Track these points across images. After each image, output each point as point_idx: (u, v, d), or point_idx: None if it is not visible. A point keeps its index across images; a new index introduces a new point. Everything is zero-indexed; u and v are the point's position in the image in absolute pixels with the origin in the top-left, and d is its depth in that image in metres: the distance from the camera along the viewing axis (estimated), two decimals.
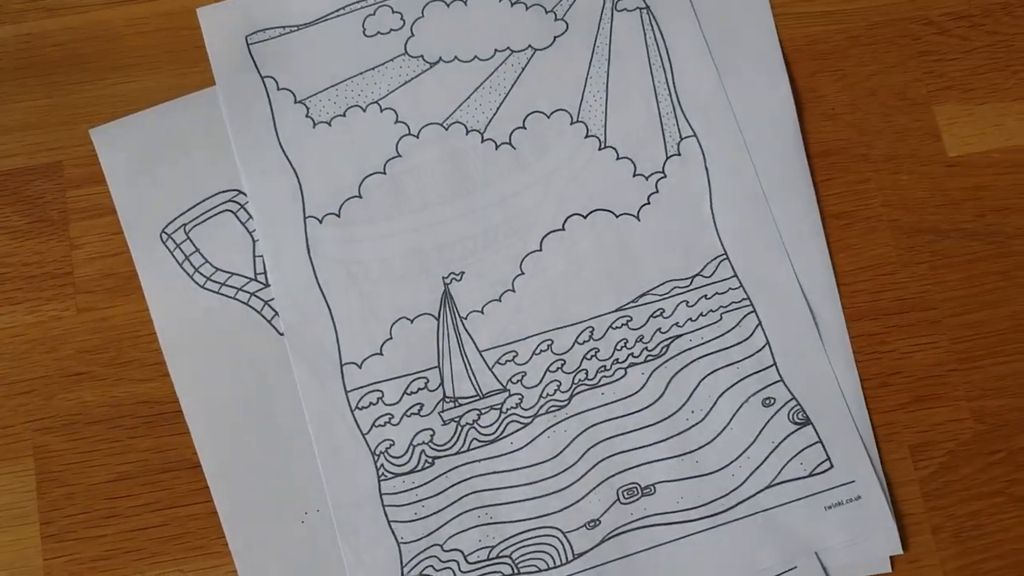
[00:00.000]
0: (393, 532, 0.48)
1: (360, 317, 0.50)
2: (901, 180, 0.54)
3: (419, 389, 0.50)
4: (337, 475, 0.49)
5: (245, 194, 0.52)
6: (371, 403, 0.49)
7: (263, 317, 0.51)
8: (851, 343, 0.51)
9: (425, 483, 0.49)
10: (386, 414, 0.49)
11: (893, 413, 0.51)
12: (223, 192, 0.52)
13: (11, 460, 0.50)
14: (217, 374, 0.50)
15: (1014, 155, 0.54)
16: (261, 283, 0.51)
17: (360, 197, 0.52)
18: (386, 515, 0.48)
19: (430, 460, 0.49)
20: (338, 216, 0.51)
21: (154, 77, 0.54)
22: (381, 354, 0.50)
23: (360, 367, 0.50)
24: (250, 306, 0.51)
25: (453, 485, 0.49)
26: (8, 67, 0.54)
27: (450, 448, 0.49)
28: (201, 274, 0.51)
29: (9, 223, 0.53)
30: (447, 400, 0.50)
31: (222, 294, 0.51)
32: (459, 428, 0.49)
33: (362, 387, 0.49)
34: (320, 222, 0.51)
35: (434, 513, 0.48)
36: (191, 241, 0.51)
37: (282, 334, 0.51)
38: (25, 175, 0.53)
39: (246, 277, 0.51)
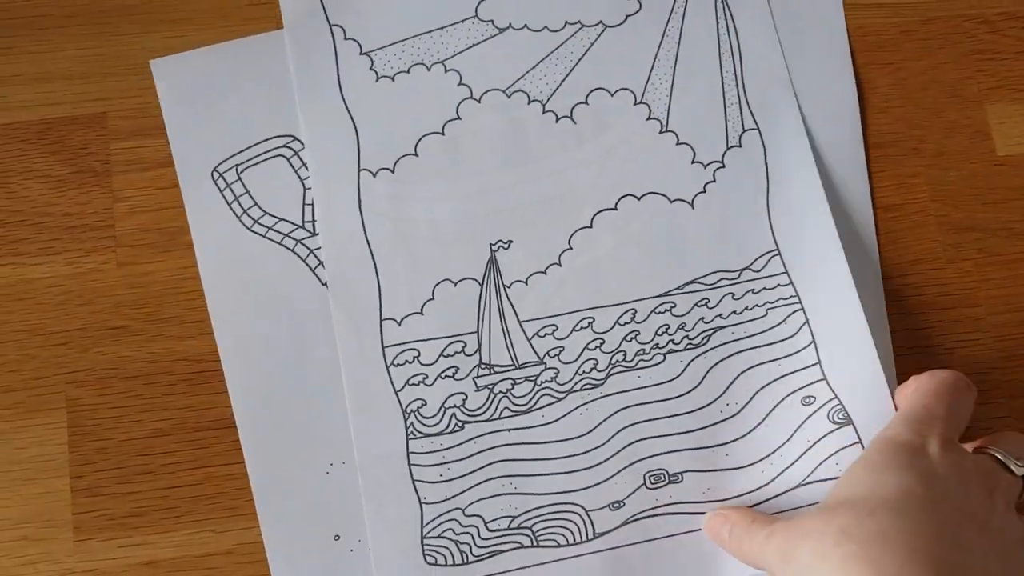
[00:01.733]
0: (416, 491, 0.48)
1: (404, 274, 0.50)
2: (950, 176, 0.54)
3: (456, 352, 0.49)
4: (366, 428, 0.48)
5: (300, 141, 0.52)
6: (407, 361, 0.49)
7: (307, 265, 0.50)
8: (894, 337, 0.51)
9: (453, 446, 0.48)
10: (421, 373, 0.49)
11: None
12: (279, 136, 0.52)
13: (44, 412, 0.49)
14: (255, 316, 0.50)
15: None
16: (308, 231, 0.51)
17: (416, 155, 0.51)
18: (411, 473, 0.48)
19: (460, 424, 0.49)
20: (392, 172, 0.51)
21: (204, 33, 0.53)
22: (421, 313, 0.49)
23: (399, 324, 0.49)
24: (295, 253, 0.50)
25: (481, 451, 0.48)
26: (55, 14, 0.53)
27: (481, 414, 0.49)
28: (249, 216, 0.51)
29: (51, 172, 0.52)
30: (482, 366, 0.49)
31: (268, 238, 0.51)
32: (492, 395, 0.49)
33: (399, 344, 0.49)
34: (374, 176, 0.51)
35: (459, 477, 0.48)
36: (242, 182, 0.51)
37: (324, 284, 0.50)
38: (69, 124, 0.52)
39: (294, 224, 0.51)
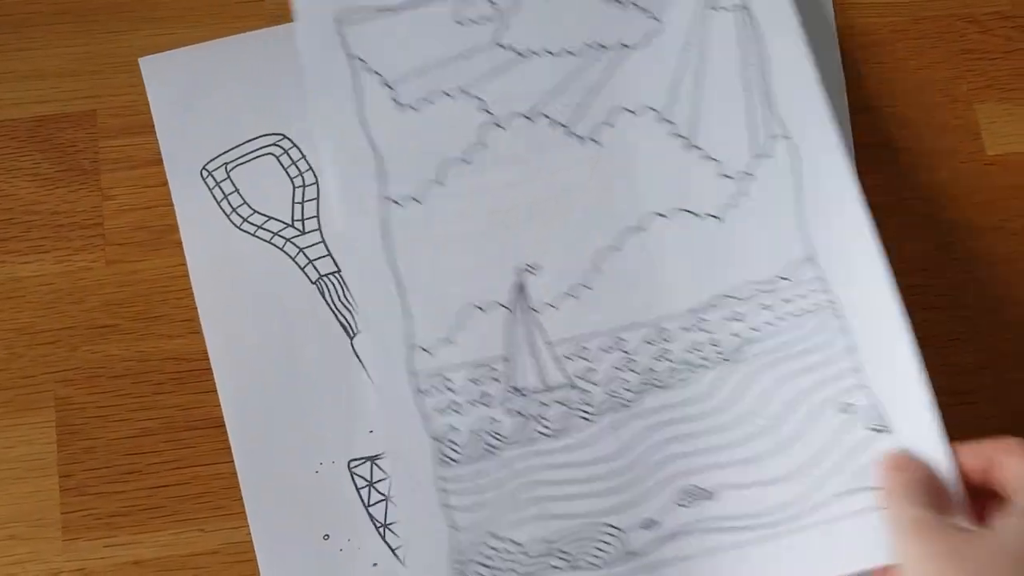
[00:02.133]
0: (447, 518, 0.47)
1: (432, 302, 0.49)
2: (940, 176, 0.54)
3: (486, 378, 0.49)
4: (398, 457, 0.48)
5: (290, 139, 0.51)
6: (437, 389, 0.49)
7: (296, 264, 0.50)
8: None
9: (485, 472, 0.48)
10: (452, 402, 0.49)
11: None
12: (268, 135, 0.51)
13: (32, 411, 0.49)
14: (245, 315, 0.50)
15: None
16: (298, 230, 0.50)
17: (441, 184, 0.51)
18: (442, 501, 0.47)
19: (492, 449, 0.48)
20: (419, 202, 0.50)
21: (194, 31, 0.53)
22: (451, 341, 0.49)
23: (429, 353, 0.49)
24: (284, 252, 0.50)
25: (513, 476, 0.48)
26: (45, 11, 0.53)
27: (513, 439, 0.48)
28: (238, 214, 0.51)
29: (39, 170, 0.52)
30: (513, 391, 0.49)
31: (258, 237, 0.51)
32: (523, 420, 0.49)
33: (429, 372, 0.49)
34: (400, 205, 0.50)
35: (491, 502, 0.48)
36: (231, 180, 0.51)
37: (314, 283, 0.50)
38: (58, 122, 0.52)
39: (283, 222, 0.51)
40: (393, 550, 0.48)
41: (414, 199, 0.50)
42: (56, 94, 0.52)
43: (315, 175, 0.52)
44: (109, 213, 0.51)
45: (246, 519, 0.48)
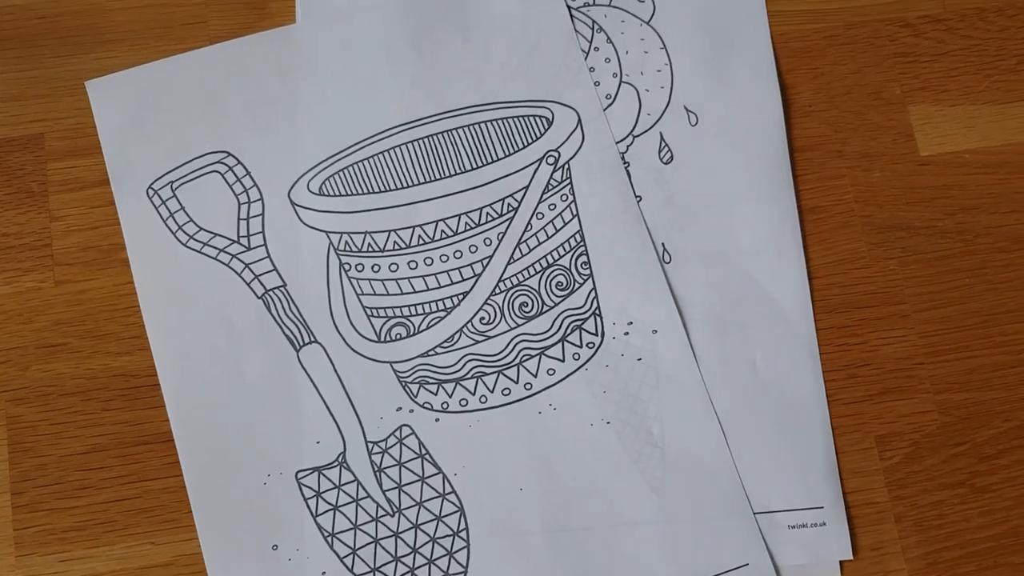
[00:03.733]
0: None
1: None
2: (874, 177, 0.55)
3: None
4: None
5: (235, 156, 0.53)
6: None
7: (243, 279, 0.51)
8: (821, 335, 0.52)
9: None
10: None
11: (860, 404, 0.51)
12: (213, 152, 0.52)
13: None
14: (191, 330, 0.51)
15: (984, 156, 0.55)
16: (244, 246, 0.51)
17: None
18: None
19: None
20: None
21: (139, 53, 0.54)
22: None
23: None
24: (231, 268, 0.51)
25: None
26: None
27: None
28: (184, 232, 0.52)
29: None
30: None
31: (204, 253, 0.51)
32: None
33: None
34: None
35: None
36: (177, 199, 0.52)
37: (260, 298, 0.51)
38: (6, 146, 0.53)
39: (229, 239, 0.52)
40: (341, 558, 0.49)
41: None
42: (3, 118, 0.53)
43: (260, 191, 0.52)
44: (57, 234, 0.52)
45: (196, 532, 0.49)
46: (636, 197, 0.53)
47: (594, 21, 0.56)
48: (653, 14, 0.56)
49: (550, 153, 0.53)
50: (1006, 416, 0.51)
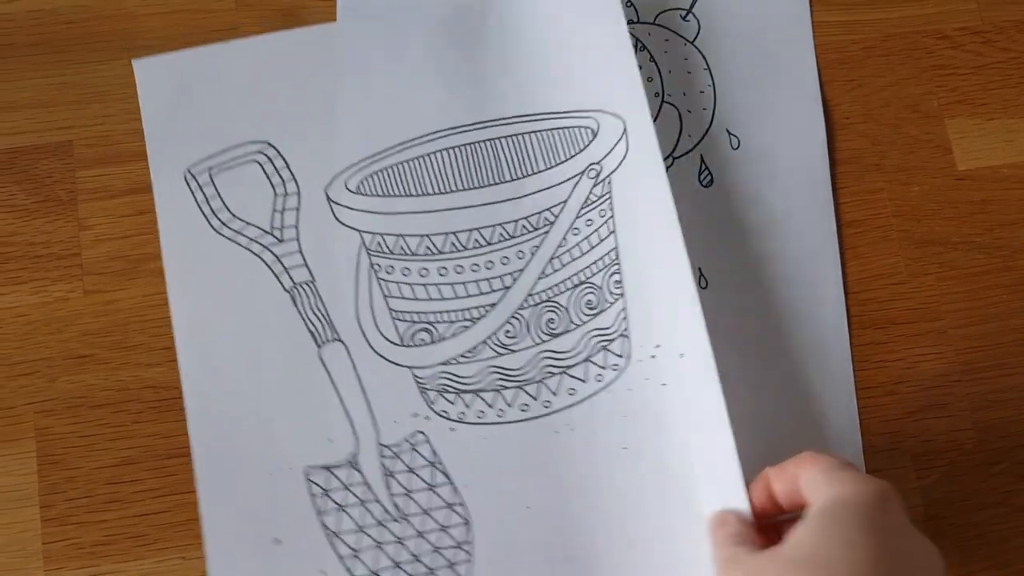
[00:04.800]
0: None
1: None
2: (912, 191, 0.54)
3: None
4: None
5: (275, 148, 0.52)
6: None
7: (271, 271, 0.51)
8: (858, 351, 0.52)
9: None
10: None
11: (898, 422, 0.51)
12: (254, 142, 0.52)
13: (12, 442, 0.49)
14: (216, 317, 0.50)
15: (1022, 171, 0.54)
16: (276, 238, 0.51)
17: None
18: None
19: None
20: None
21: None
22: None
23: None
24: (261, 258, 0.51)
25: None
26: (19, 43, 0.53)
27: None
28: (218, 218, 0.51)
29: (15, 201, 0.52)
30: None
31: (235, 242, 0.51)
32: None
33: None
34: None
35: None
36: (214, 184, 0.51)
37: (287, 291, 0.51)
38: (34, 153, 0.52)
39: (262, 230, 0.51)
40: (341, 559, 0.48)
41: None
42: (31, 125, 0.52)
43: (297, 185, 0.52)
44: (86, 243, 0.51)
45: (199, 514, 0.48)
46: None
47: (637, 39, 0.55)
48: (697, 34, 0.55)
49: (592, 167, 0.52)
50: None
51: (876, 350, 0.52)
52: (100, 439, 0.50)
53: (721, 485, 0.46)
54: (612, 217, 0.52)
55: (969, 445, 0.51)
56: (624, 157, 0.52)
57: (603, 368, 0.51)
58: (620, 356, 0.51)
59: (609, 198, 0.52)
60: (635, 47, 0.55)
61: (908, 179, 0.54)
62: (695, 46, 0.55)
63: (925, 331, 0.52)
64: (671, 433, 0.49)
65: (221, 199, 0.51)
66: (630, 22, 0.55)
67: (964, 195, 0.54)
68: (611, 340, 0.51)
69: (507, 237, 0.51)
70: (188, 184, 0.51)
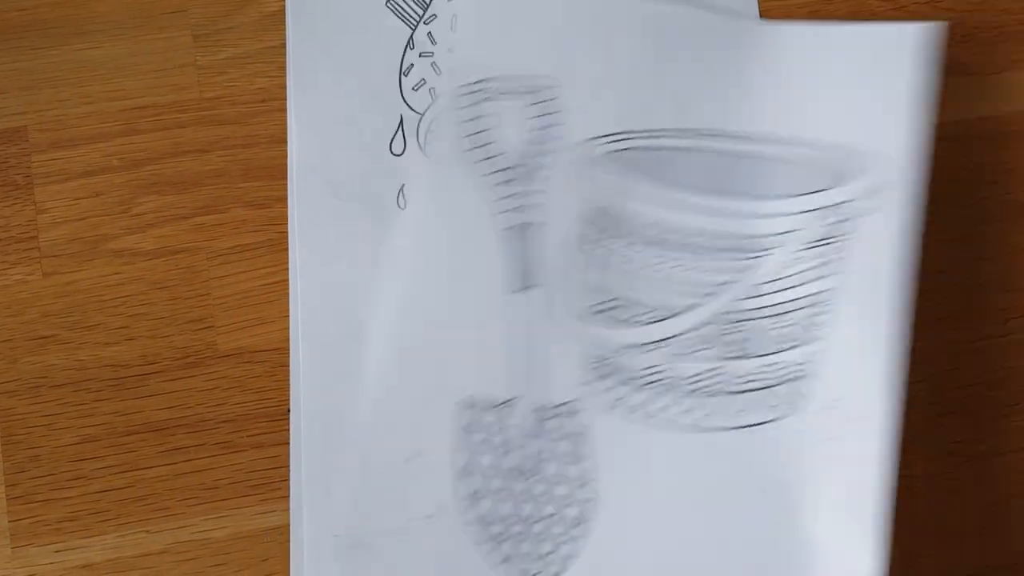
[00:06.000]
0: None
1: None
2: None
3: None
4: None
5: (558, 88, 0.52)
6: None
7: (495, 208, 0.51)
8: None
9: None
10: None
11: None
12: (546, 76, 0.51)
13: None
14: (426, 241, 0.51)
15: None
16: (523, 174, 0.51)
17: None
18: None
19: None
20: None
21: (120, 43, 0.54)
22: None
23: None
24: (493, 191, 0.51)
25: None
26: None
27: None
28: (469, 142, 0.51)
29: None
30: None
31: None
32: None
33: None
34: None
35: None
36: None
37: (507, 230, 0.51)
38: None
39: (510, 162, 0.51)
40: (460, 497, 0.50)
41: None
42: None
43: (561, 131, 0.51)
44: (43, 226, 0.52)
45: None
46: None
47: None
48: None
49: (844, 204, 0.50)
50: None
51: None
52: (62, 418, 0.50)
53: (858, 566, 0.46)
54: (841, 259, 0.50)
55: None
56: (878, 206, 0.49)
57: (774, 405, 0.50)
58: (796, 397, 0.50)
59: (846, 239, 0.50)
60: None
61: None
62: None
63: None
64: (818, 494, 0.48)
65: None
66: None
67: None
68: (793, 379, 0.50)
69: (732, 250, 0.50)
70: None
